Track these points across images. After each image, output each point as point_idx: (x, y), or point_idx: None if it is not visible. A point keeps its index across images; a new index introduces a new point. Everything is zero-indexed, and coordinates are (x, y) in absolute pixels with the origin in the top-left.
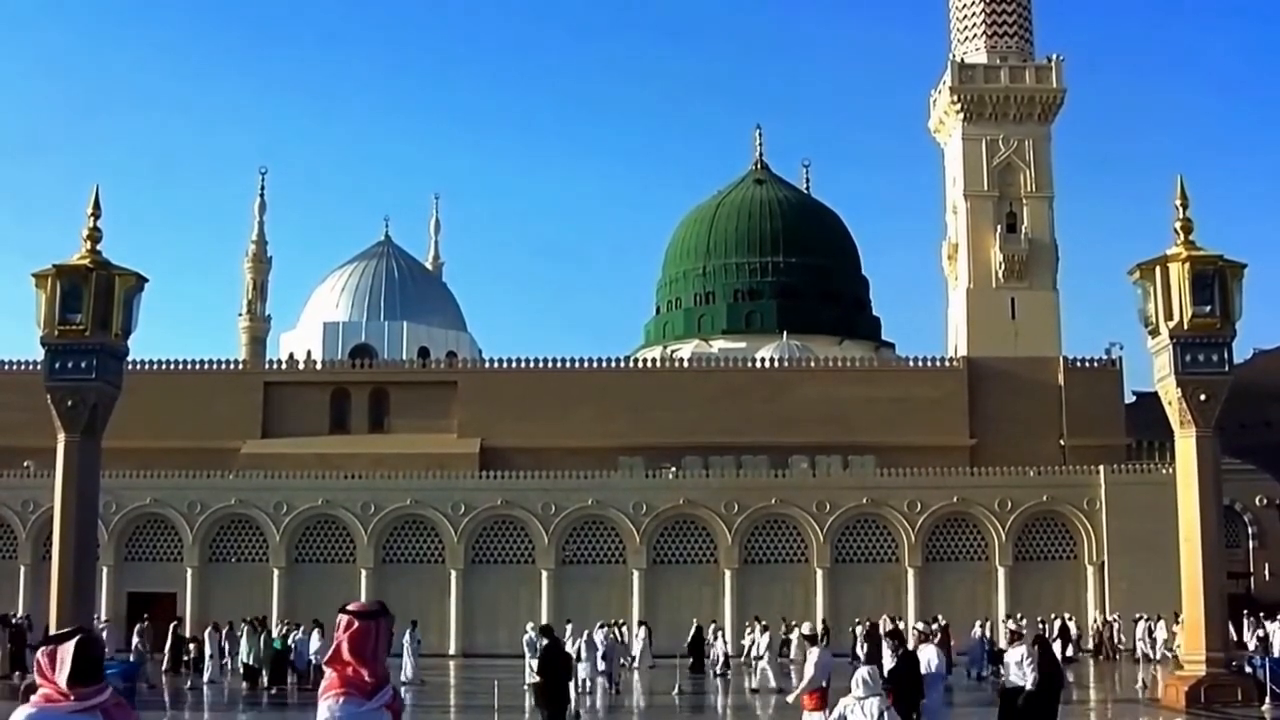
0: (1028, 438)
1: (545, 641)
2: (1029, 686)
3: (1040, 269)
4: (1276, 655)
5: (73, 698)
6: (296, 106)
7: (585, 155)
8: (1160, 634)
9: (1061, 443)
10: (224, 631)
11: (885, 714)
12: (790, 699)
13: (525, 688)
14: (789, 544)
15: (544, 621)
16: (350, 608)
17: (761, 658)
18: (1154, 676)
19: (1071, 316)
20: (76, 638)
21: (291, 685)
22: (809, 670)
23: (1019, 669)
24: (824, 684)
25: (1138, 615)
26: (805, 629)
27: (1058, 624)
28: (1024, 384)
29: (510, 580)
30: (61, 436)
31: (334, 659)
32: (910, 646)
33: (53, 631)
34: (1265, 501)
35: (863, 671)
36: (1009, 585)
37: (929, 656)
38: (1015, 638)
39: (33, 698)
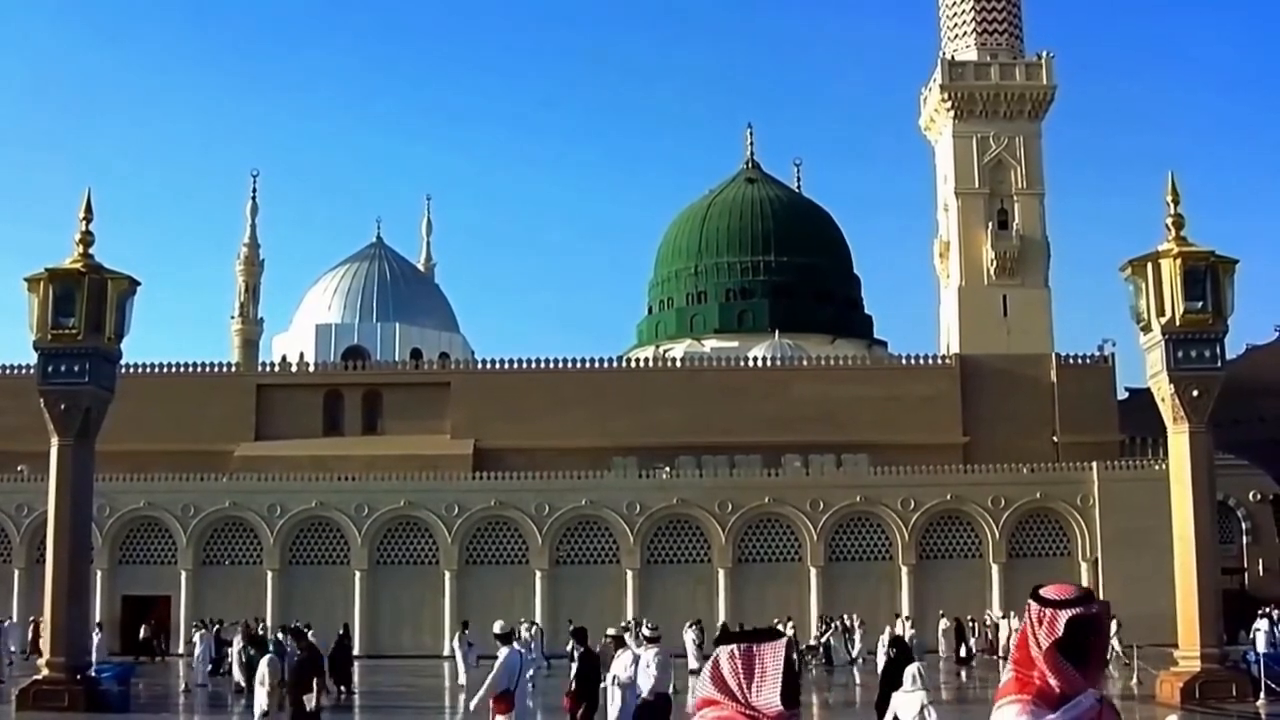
0: (1021, 435)
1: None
2: (648, 695)
3: (1032, 266)
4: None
5: None
6: (287, 108)
7: (576, 154)
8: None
9: (1054, 439)
10: (213, 632)
11: (925, 710)
12: (473, 705)
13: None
14: (783, 543)
15: (538, 621)
16: (1047, 593)
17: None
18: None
19: (1064, 313)
20: (781, 640)
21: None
22: (494, 671)
23: (646, 672)
24: (510, 687)
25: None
26: (497, 627)
27: (943, 623)
28: (1016, 381)
29: (505, 581)
30: (55, 440)
31: (1020, 658)
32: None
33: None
34: (1259, 497)
35: (912, 668)
36: (1003, 582)
37: (626, 661)
38: (651, 641)
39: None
